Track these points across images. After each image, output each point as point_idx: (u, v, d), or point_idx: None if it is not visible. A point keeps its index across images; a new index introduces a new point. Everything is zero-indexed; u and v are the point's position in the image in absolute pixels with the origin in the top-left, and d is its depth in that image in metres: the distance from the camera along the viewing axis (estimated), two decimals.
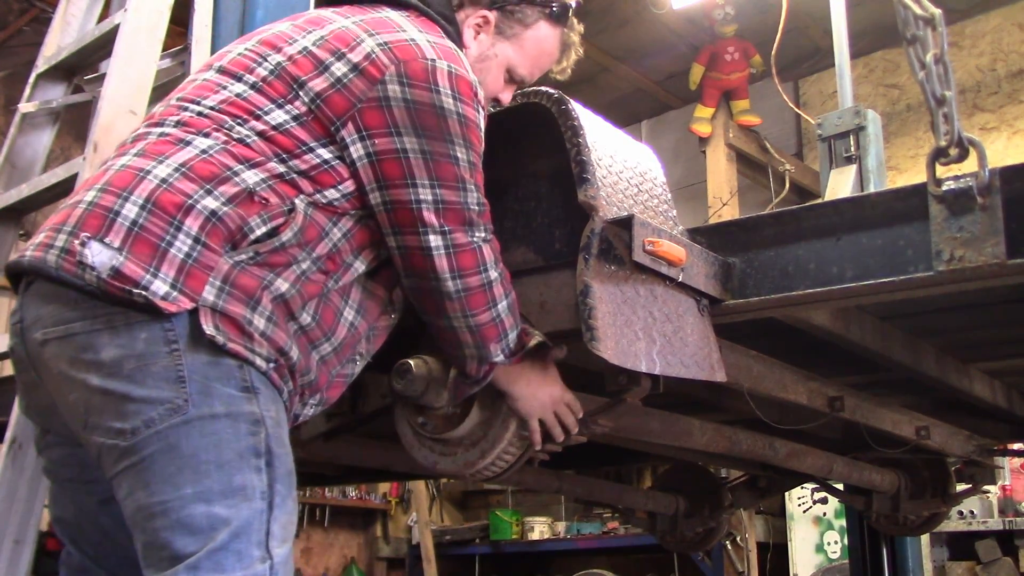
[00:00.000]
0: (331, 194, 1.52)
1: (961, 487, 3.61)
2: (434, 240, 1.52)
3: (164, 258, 1.39)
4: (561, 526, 7.13)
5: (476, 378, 1.63)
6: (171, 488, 1.35)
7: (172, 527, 1.34)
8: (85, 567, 1.62)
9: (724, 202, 5.86)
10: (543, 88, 1.71)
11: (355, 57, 1.53)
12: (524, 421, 1.69)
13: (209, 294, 1.40)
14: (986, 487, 4.35)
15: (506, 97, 1.85)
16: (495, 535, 7.17)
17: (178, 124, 1.53)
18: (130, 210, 1.41)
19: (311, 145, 1.51)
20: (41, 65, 2.82)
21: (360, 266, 1.57)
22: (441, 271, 1.53)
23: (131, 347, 1.38)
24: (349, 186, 1.53)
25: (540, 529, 7.07)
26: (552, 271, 1.78)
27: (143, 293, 1.37)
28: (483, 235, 1.56)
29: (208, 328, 1.39)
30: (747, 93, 6.29)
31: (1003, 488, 5.23)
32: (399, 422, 1.80)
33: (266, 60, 1.57)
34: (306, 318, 1.51)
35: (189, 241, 1.41)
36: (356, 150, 1.51)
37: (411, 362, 1.67)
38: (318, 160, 1.51)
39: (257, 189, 1.46)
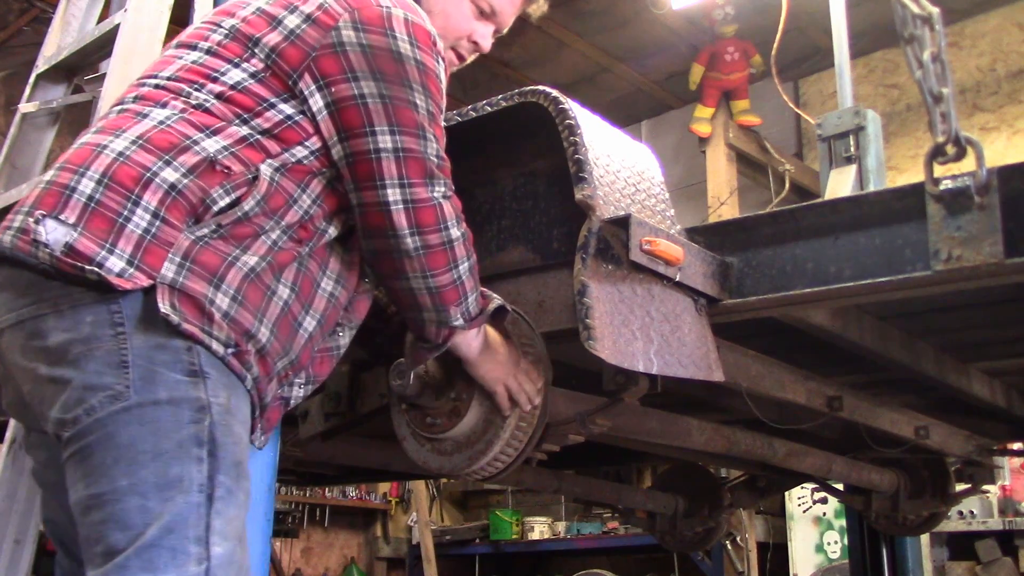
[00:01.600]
0: (299, 152, 1.47)
1: (961, 487, 3.61)
2: (392, 194, 1.46)
3: (121, 234, 1.34)
4: (561, 526, 7.13)
5: (435, 343, 1.57)
6: (106, 480, 1.28)
7: (105, 521, 1.28)
8: (76, 571, 1.54)
9: (723, 202, 5.86)
10: (540, 88, 1.71)
11: (308, 8, 1.49)
12: (488, 392, 1.64)
13: (168, 271, 1.35)
14: (985, 487, 4.34)
15: (484, 39, 1.79)
16: (495, 535, 7.17)
17: (136, 99, 1.49)
18: (86, 185, 1.36)
19: (272, 101, 1.46)
20: (41, 65, 2.82)
21: (332, 231, 1.52)
22: (399, 227, 1.46)
23: (77, 331, 1.32)
24: (316, 142, 1.48)
25: (540, 529, 7.07)
26: (550, 270, 1.78)
27: (96, 270, 1.31)
28: (443, 190, 1.50)
29: (164, 307, 1.33)
30: (747, 93, 6.29)
31: (1003, 488, 5.23)
32: (396, 422, 1.80)
33: (220, 26, 1.54)
34: (284, 290, 1.45)
35: (147, 216, 1.36)
36: (315, 102, 1.47)
37: None
38: (280, 116, 1.46)
39: (219, 157, 1.41)
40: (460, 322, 1.54)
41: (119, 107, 1.50)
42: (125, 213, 1.35)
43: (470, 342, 1.59)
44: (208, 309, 1.36)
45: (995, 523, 5.13)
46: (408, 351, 1.64)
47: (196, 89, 1.47)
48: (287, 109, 1.47)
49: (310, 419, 2.08)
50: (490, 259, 1.88)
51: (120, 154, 1.39)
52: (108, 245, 1.33)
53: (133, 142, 1.40)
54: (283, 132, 1.46)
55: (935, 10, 1.50)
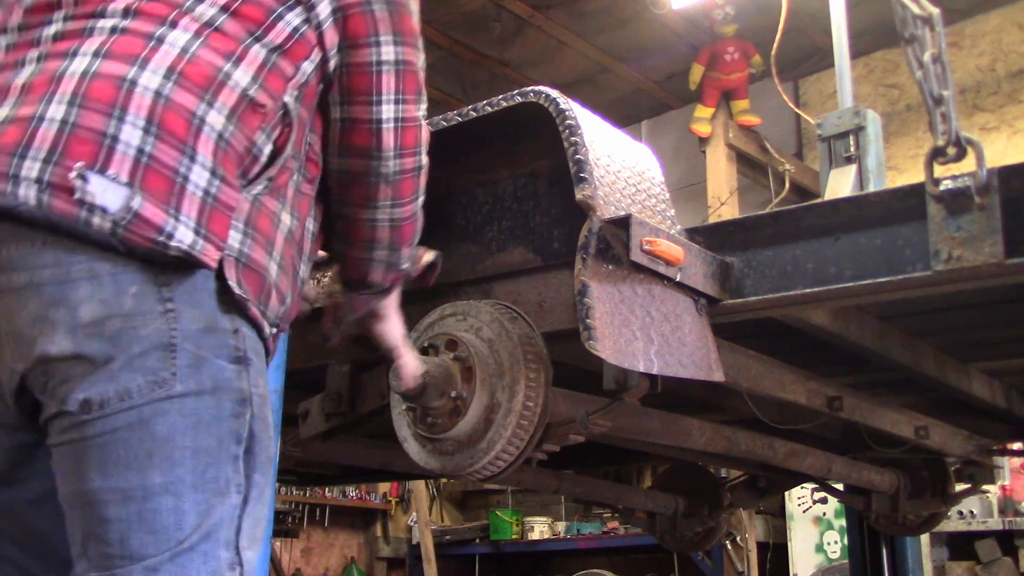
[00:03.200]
0: (307, 69, 1.32)
1: (961, 487, 3.62)
2: (387, 111, 1.37)
3: (183, 196, 1.14)
4: (561, 526, 7.13)
5: (380, 287, 1.48)
6: (136, 474, 1.11)
7: (130, 520, 1.11)
8: None
9: (723, 202, 5.86)
10: (541, 88, 1.71)
11: None
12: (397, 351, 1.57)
13: (234, 240, 1.18)
14: (985, 487, 4.35)
15: None
16: (495, 535, 7.18)
17: (130, 13, 1.22)
18: (131, 134, 1.13)
19: (279, 11, 1.29)
20: None
21: (320, 161, 1.40)
22: (386, 148, 1.37)
23: (117, 303, 1.12)
24: (318, 54, 1.33)
25: (540, 529, 7.07)
26: (550, 271, 1.78)
27: (179, 246, 1.12)
28: (424, 108, 1.42)
29: (234, 285, 1.17)
30: (747, 93, 6.29)
31: (1003, 488, 5.23)
32: (397, 423, 1.80)
33: None
34: (307, 244, 1.37)
35: (206, 174, 1.16)
36: (324, 8, 1.32)
37: None
38: (289, 29, 1.29)
39: (251, 92, 1.23)
40: (407, 265, 1.50)
41: (106, 22, 1.22)
42: (183, 171, 1.14)
43: (397, 293, 1.54)
44: (267, 284, 1.24)
45: (995, 523, 5.13)
46: (344, 302, 1.51)
47: (197, 1, 1.24)
48: (294, 19, 1.30)
49: (310, 419, 2.08)
50: (490, 259, 1.88)
51: (158, 94, 1.16)
52: (173, 211, 1.13)
53: (166, 77, 1.17)
54: (293, 48, 1.29)
55: (935, 11, 1.50)
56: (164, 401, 1.13)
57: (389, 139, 1.38)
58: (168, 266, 1.15)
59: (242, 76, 1.22)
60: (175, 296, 1.14)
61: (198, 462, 1.14)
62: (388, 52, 1.37)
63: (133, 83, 1.16)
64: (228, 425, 1.17)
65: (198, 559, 1.13)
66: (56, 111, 1.14)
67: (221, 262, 1.17)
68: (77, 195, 1.10)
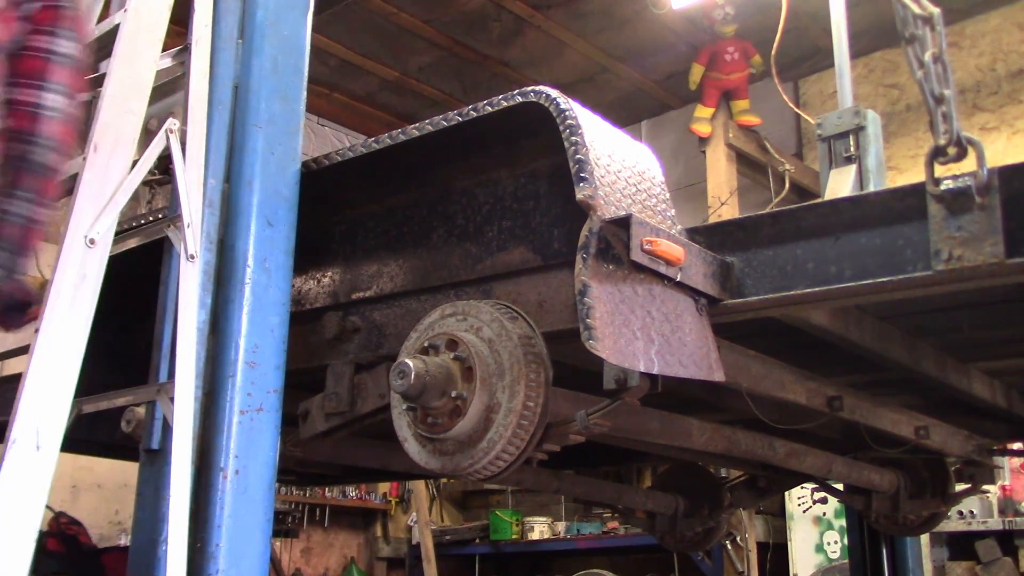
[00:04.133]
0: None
1: (961, 487, 3.62)
2: (51, 99, 1.38)
3: None
4: (561, 526, 7.14)
5: None
6: None
7: None
8: None
9: (723, 202, 5.86)
10: (541, 88, 1.70)
11: None
12: None
13: None
14: (986, 487, 4.35)
15: None
16: (495, 535, 7.18)
17: None
18: None
19: None
20: None
21: None
22: (41, 136, 1.37)
23: None
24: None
25: (540, 529, 7.07)
26: (551, 270, 1.78)
27: None
28: (76, 107, 1.43)
29: None
30: (747, 93, 6.29)
31: (1003, 488, 5.23)
32: (397, 422, 1.80)
33: None
34: None
35: None
36: None
37: (410, 362, 1.67)
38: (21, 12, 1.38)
39: None
40: (24, 274, 1.42)
41: None
42: None
43: None
44: None
45: (995, 523, 5.13)
46: None
47: None
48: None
49: (310, 419, 2.08)
50: (491, 259, 1.88)
51: None
52: None
53: None
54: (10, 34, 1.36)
55: (936, 10, 1.50)
56: None
57: (51, 128, 1.37)
58: None
59: None
60: None
61: None
62: (66, 46, 1.39)
63: None
64: None
65: None
66: None
67: None
68: None
